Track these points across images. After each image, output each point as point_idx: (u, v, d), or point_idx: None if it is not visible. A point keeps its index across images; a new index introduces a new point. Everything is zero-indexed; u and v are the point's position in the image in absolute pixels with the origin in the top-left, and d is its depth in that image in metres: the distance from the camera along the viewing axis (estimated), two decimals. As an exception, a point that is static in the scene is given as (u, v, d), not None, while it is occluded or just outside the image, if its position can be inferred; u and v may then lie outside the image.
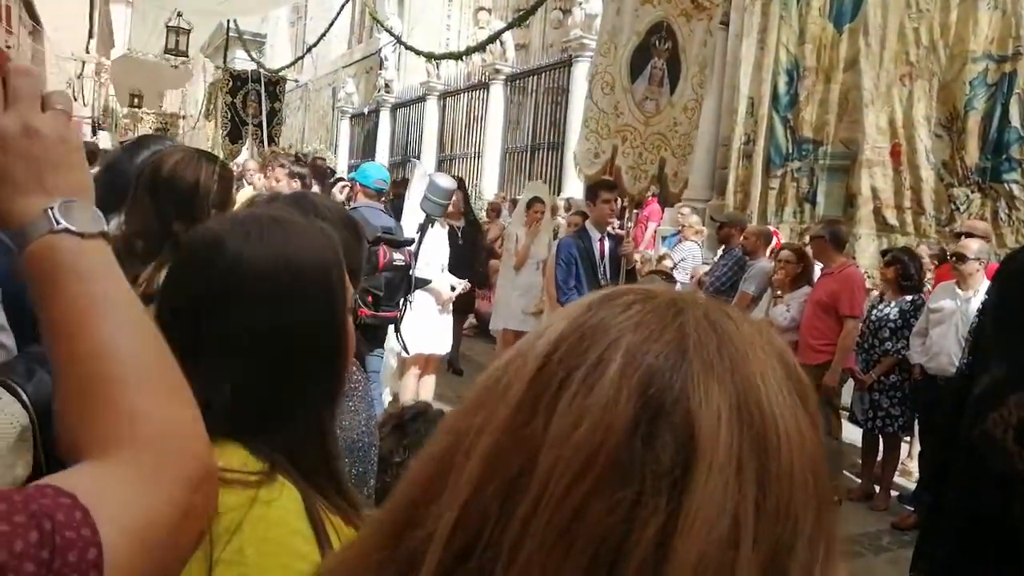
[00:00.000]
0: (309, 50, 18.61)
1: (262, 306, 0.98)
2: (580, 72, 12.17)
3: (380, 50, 18.95)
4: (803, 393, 0.49)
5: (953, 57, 6.79)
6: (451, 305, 5.98)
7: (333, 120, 22.81)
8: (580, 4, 12.24)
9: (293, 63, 18.11)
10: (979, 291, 4.73)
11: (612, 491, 0.43)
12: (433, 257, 5.57)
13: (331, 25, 18.11)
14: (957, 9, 6.78)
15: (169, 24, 13.78)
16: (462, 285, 6.00)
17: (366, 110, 20.28)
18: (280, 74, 16.06)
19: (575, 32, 12.23)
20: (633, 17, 6.49)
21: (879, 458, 5.44)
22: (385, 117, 19.12)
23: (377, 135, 19.23)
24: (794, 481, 0.45)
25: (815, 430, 0.48)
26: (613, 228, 6.03)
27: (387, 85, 18.80)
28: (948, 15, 6.84)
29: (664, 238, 9.26)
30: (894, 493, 5.40)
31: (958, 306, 4.80)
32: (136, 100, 23.49)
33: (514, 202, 10.78)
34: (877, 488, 5.39)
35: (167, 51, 16.17)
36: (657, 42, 6.45)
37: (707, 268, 7.48)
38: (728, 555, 0.42)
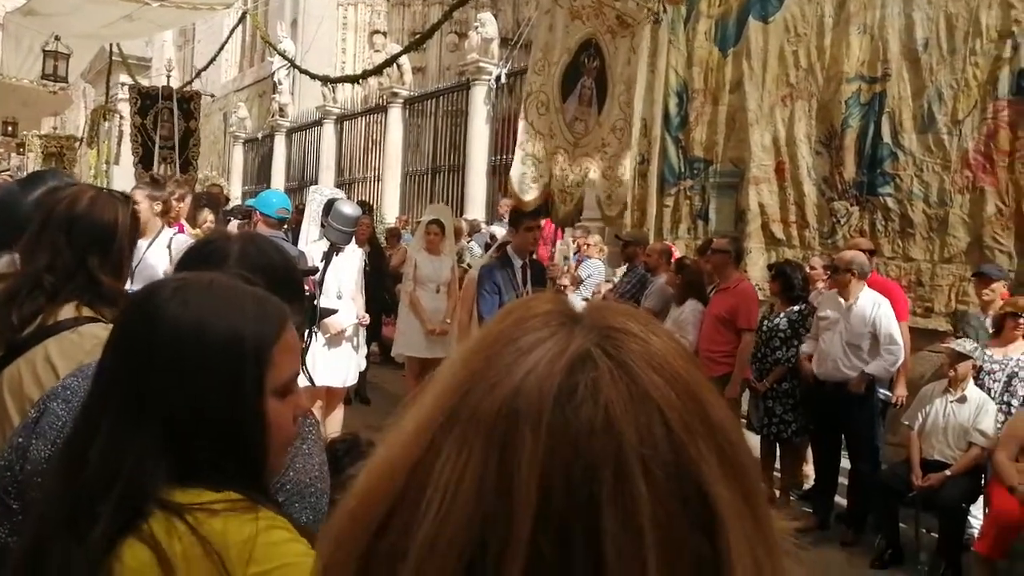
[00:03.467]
0: (198, 74, 18.09)
1: (169, 373, 0.96)
2: (478, 95, 12.29)
3: (273, 74, 18.61)
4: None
5: (829, 78, 7.21)
6: (358, 336, 5.86)
7: (225, 145, 22.20)
8: (476, 28, 12.38)
9: (182, 87, 17.53)
10: (859, 299, 5.02)
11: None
12: (340, 286, 5.48)
13: (221, 48, 17.69)
14: (831, 33, 7.21)
15: (47, 48, 13.08)
16: (354, 322, 5.69)
17: (260, 135, 19.84)
18: (194, 89, 15.34)
19: (472, 56, 12.34)
20: (564, 34, 6.23)
21: (777, 464, 5.68)
22: (280, 142, 18.76)
23: (272, 160, 18.83)
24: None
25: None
26: (535, 254, 5.87)
27: (282, 109, 18.47)
28: (823, 39, 7.26)
29: (565, 258, 9.40)
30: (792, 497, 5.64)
31: (841, 314, 5.07)
32: (10, 128, 22.23)
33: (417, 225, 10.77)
34: (777, 493, 5.61)
35: (44, 76, 15.37)
36: (587, 60, 6.23)
37: (610, 285, 7.65)
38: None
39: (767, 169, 7.67)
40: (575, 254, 9.00)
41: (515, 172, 6.23)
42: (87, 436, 0.95)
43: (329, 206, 5.64)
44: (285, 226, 5.82)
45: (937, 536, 4.63)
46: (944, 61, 6.35)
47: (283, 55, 17.26)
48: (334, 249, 5.34)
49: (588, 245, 8.68)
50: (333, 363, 5.43)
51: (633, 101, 6.70)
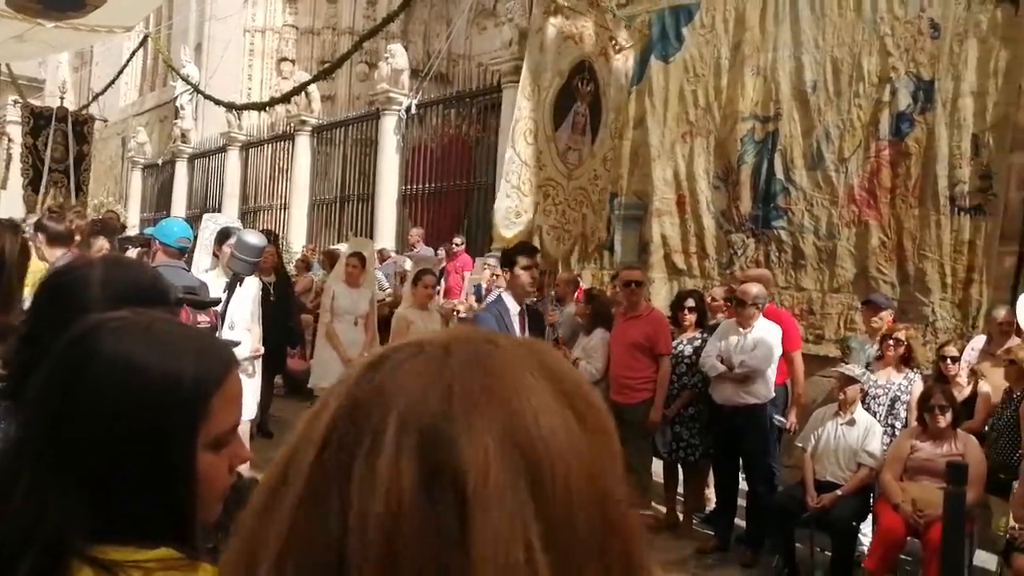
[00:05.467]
0: (96, 97, 17.45)
1: (94, 421, 0.89)
2: (388, 124, 12.29)
3: (176, 98, 18.12)
4: (578, 408, 0.50)
5: (726, 117, 7.56)
6: (259, 366, 5.73)
7: (123, 171, 21.40)
8: (386, 59, 12.40)
9: (79, 110, 16.86)
10: (755, 327, 5.24)
11: (414, 562, 0.45)
12: (233, 317, 5.33)
13: (121, 72, 17.13)
14: (727, 75, 7.57)
15: (-70, 67, 12.38)
16: (247, 355, 5.43)
17: (160, 161, 19.23)
18: (88, 112, 14.77)
19: (382, 86, 12.35)
20: (556, 55, 5.59)
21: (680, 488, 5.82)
22: (182, 168, 18.22)
23: (173, 187, 18.26)
24: (573, 496, 0.46)
25: (592, 442, 0.49)
26: (532, 300, 5.26)
27: (184, 135, 17.96)
28: (720, 79, 7.62)
29: (475, 287, 9.45)
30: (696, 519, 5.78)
31: (738, 341, 5.28)
32: None
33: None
34: (681, 516, 5.75)
35: (-76, 96, 14.53)
36: (580, 84, 5.65)
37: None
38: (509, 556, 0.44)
39: (669, 202, 7.94)
40: (485, 284, 9.06)
41: (499, 206, 5.57)
42: (7, 486, 0.88)
43: (223, 235, 5.50)
44: (185, 256, 5.64)
45: (830, 554, 4.84)
46: (831, 102, 6.76)
47: (186, 80, 16.85)
48: (237, 279, 5.23)
49: (497, 275, 8.74)
50: None
51: (624, 130, 6.23)
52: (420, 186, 12.10)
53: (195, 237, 7.16)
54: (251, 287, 5.56)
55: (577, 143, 5.62)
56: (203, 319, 4.73)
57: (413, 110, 12.11)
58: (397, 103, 12.19)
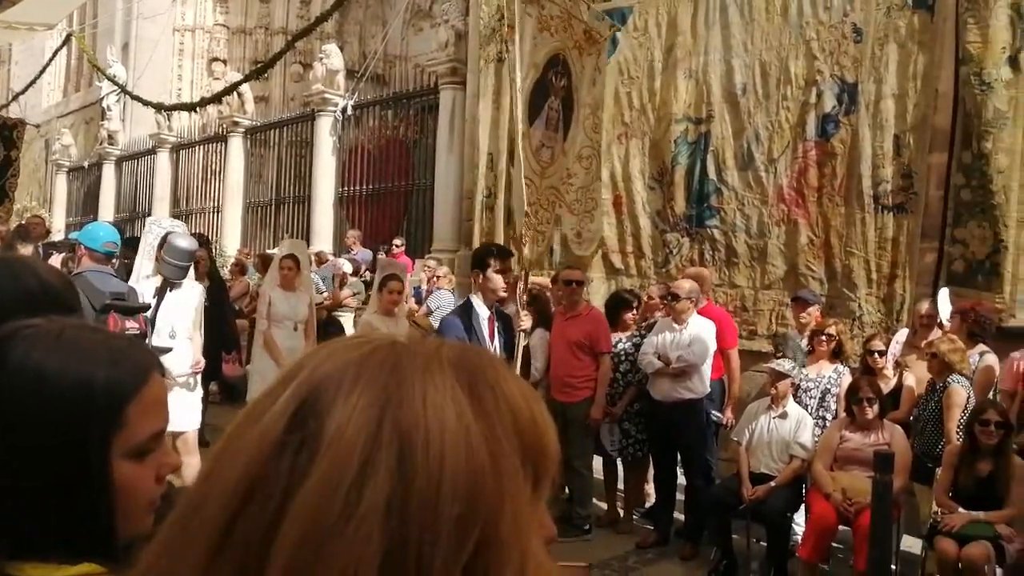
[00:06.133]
0: (15, 97, 16.81)
1: (3, 426, 0.85)
2: (324, 126, 12.16)
3: (102, 99, 17.57)
4: (478, 393, 0.52)
5: (660, 119, 7.69)
6: (198, 376, 5.52)
7: (47, 174, 20.65)
8: (321, 59, 12.26)
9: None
10: (689, 324, 5.35)
11: (265, 503, 0.48)
12: (173, 325, 5.18)
13: (43, 71, 16.52)
14: (660, 77, 7.70)
15: None
16: (187, 372, 5.27)
17: (87, 163, 18.61)
18: (20, 116, 14.12)
19: (317, 86, 12.20)
20: (532, 47, 5.41)
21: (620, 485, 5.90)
22: (110, 171, 17.68)
23: (101, 190, 17.70)
24: (445, 470, 0.48)
25: (485, 424, 0.50)
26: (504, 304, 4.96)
27: (111, 137, 17.44)
28: (654, 82, 7.75)
29: (414, 288, 9.42)
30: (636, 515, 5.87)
31: (674, 337, 5.38)
32: None
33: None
34: (621, 512, 5.82)
35: None
36: (554, 78, 5.44)
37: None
38: (339, 533, 0.46)
39: (606, 203, 8.03)
40: (425, 285, 9.04)
41: (520, 205, 5.14)
42: None
43: (165, 240, 5.34)
44: (115, 260, 5.45)
45: (765, 544, 4.97)
46: (760, 105, 6.94)
47: (113, 80, 16.36)
48: (168, 285, 5.08)
49: (438, 277, 8.74)
50: (176, 406, 5.06)
51: (600, 126, 5.94)
52: (357, 188, 12.00)
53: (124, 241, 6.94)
54: (194, 294, 5.38)
55: (550, 140, 5.37)
56: (131, 325, 4.60)
57: (349, 111, 12.00)
58: (333, 104, 12.06)
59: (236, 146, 14.20)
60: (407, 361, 0.52)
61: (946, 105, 5.93)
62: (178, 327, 5.19)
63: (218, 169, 14.82)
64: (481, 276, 4.43)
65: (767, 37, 6.91)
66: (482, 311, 4.39)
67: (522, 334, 4.71)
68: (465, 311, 4.45)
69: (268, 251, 10.93)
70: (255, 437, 0.50)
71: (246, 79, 13.65)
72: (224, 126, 14.31)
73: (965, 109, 5.79)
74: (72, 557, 0.84)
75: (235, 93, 13.65)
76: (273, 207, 13.77)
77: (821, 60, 6.60)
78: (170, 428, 4.21)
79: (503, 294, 4.55)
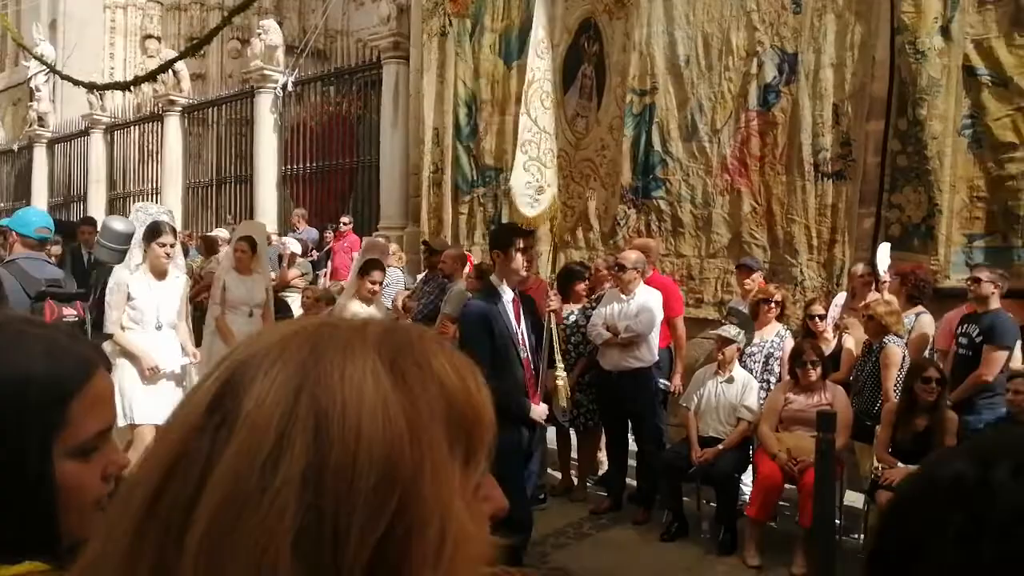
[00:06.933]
0: (-64, 78, 16.05)
1: None
2: (264, 103, 11.91)
3: (30, 79, 16.91)
4: (403, 369, 0.53)
5: (605, 91, 7.70)
6: (195, 373, 5.31)
7: (-27, 158, 19.84)
8: (259, 35, 11.97)
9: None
10: (637, 294, 5.41)
11: (187, 476, 0.50)
12: (161, 315, 5.03)
13: (-36, 50, 15.79)
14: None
15: None
16: (185, 361, 5.17)
17: (16, 147, 17.93)
18: None
19: (256, 63, 11.92)
20: (564, 10, 4.96)
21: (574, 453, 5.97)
22: (41, 154, 17.06)
23: (32, 174, 17.08)
24: (361, 442, 0.49)
25: (412, 418, 0.51)
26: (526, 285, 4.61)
27: (41, 118, 16.81)
28: (598, 54, 7.74)
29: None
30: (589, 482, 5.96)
31: (621, 308, 5.44)
32: None
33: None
34: (575, 480, 5.90)
35: None
36: (586, 43, 5.04)
37: (408, 293, 7.66)
38: (255, 504, 0.47)
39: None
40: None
41: (516, 182, 4.94)
42: None
43: (152, 230, 5.13)
44: (47, 247, 5.25)
45: (715, 506, 5.09)
46: (703, 76, 7.00)
47: (40, 59, 15.76)
48: (104, 269, 4.91)
49: (387, 254, 8.65)
50: (154, 397, 4.91)
51: (625, 96, 5.36)
52: (301, 166, 11.80)
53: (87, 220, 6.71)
54: (178, 284, 5.23)
55: (584, 109, 4.99)
56: (69, 312, 4.47)
57: (290, 88, 11.77)
58: (273, 81, 11.81)
59: (173, 125, 13.83)
60: (328, 340, 0.54)
61: (883, 73, 6.06)
62: (163, 318, 5.07)
63: (155, 150, 14.42)
64: (502, 256, 4.15)
65: (708, 8, 6.97)
66: (506, 294, 4.14)
67: (551, 315, 4.53)
68: (489, 295, 4.16)
69: (210, 232, 10.70)
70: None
71: (181, 56, 13.27)
72: (160, 105, 13.92)
73: (901, 77, 5.94)
74: (14, 556, 0.82)
75: (170, 71, 13.27)
76: (214, 187, 13.47)
77: (761, 31, 6.68)
78: (150, 420, 3.98)
79: (524, 274, 4.29)
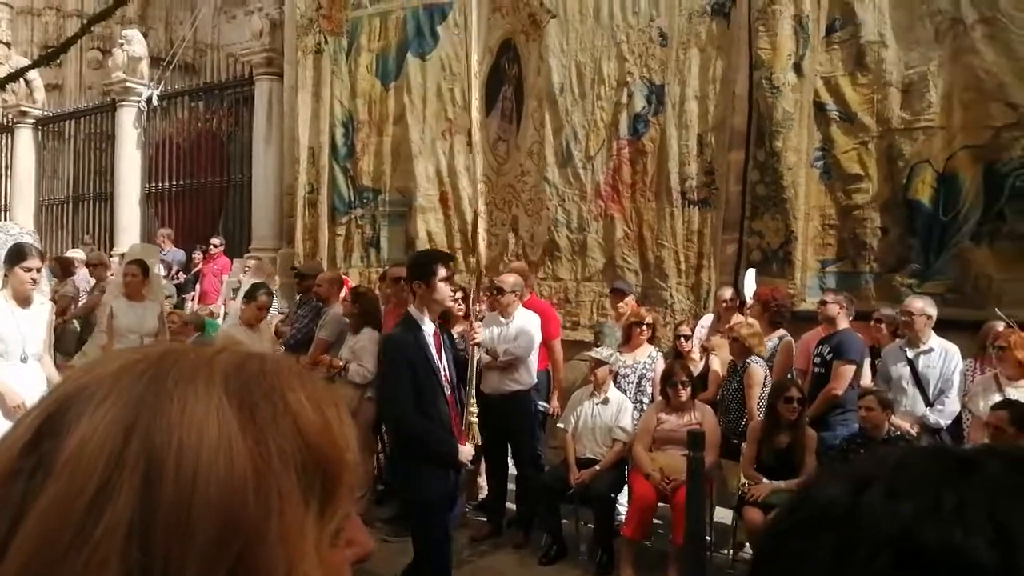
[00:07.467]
0: None
1: None
2: (127, 117, 11.34)
3: None
4: (252, 406, 0.48)
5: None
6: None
7: None
8: (122, 45, 11.39)
9: None
10: (515, 317, 5.47)
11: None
12: (27, 345, 4.60)
13: None
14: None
15: None
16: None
17: None
18: None
19: (118, 74, 11.34)
20: (486, 30, 4.70)
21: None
22: None
23: None
24: (197, 487, 0.44)
25: (258, 462, 0.47)
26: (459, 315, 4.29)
27: None
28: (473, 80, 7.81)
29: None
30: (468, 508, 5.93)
31: (501, 331, 5.48)
32: None
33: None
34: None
35: None
36: (507, 64, 4.79)
37: (282, 318, 7.44)
38: (70, 561, 0.42)
39: (432, 199, 8.05)
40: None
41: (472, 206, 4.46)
42: None
43: (15, 253, 4.71)
44: None
45: (592, 527, 5.18)
46: (577, 104, 7.19)
47: None
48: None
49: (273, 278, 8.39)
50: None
51: (546, 122, 5.32)
52: (167, 183, 11.30)
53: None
54: (43, 311, 4.81)
55: (506, 132, 4.86)
56: None
57: (155, 102, 11.27)
58: (136, 94, 11.28)
59: (25, 138, 12.96)
60: (170, 371, 0.48)
61: (742, 106, 6.41)
62: (29, 350, 4.66)
63: (4, 164, 13.45)
64: (424, 287, 3.81)
65: (581, 38, 7.17)
66: (427, 326, 3.81)
67: (475, 348, 4.31)
68: (409, 327, 3.81)
69: (65, 254, 10.06)
70: None
71: (35, 64, 12.38)
72: (10, 116, 13.01)
73: (759, 111, 6.30)
74: None
75: (22, 80, 12.41)
76: (71, 205, 12.69)
77: (631, 62, 6.93)
78: None
79: (451, 304, 3.92)
